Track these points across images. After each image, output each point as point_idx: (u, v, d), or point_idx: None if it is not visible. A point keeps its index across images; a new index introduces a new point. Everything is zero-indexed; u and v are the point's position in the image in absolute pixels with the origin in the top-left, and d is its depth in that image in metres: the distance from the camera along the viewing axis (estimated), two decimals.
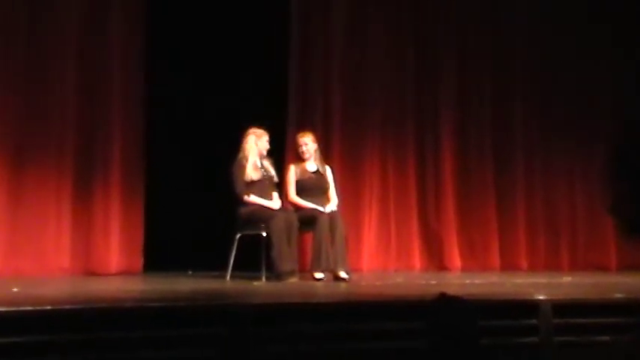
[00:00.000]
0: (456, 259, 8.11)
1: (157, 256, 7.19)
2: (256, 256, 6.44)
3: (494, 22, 8.57)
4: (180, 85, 7.64)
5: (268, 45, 7.81)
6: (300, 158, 6.85)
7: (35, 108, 6.85)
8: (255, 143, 6.64)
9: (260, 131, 6.69)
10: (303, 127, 7.26)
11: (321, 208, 6.56)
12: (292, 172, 6.79)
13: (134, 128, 7.26)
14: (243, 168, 6.55)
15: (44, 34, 6.92)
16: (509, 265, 8.23)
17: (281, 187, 6.85)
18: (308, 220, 6.50)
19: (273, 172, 6.73)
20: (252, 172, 6.55)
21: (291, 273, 6.29)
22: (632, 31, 8.50)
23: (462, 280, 6.75)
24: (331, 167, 7.02)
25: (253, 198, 6.52)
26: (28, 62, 6.84)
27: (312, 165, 6.84)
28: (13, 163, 6.75)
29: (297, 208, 6.67)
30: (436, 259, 8.16)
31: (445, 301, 2.85)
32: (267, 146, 6.70)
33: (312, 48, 7.86)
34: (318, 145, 6.95)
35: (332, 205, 6.67)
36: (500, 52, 8.56)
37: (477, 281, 6.43)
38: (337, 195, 6.85)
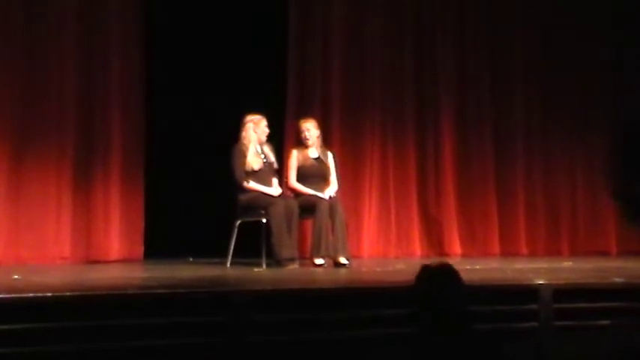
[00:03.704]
0: (456, 245, 8.12)
1: (158, 244, 7.20)
2: (256, 243, 6.44)
3: (494, 8, 8.53)
4: (180, 72, 7.62)
5: (267, 32, 7.80)
6: (301, 144, 6.83)
7: (34, 98, 6.83)
8: (254, 131, 6.62)
9: (257, 117, 6.66)
10: (302, 115, 7.24)
11: (321, 195, 6.56)
12: (294, 158, 6.77)
13: (134, 116, 7.25)
14: (243, 157, 6.53)
15: (43, 22, 6.89)
16: (509, 252, 8.24)
17: (281, 173, 6.85)
18: (308, 207, 6.50)
19: (273, 158, 6.72)
20: (253, 162, 6.55)
21: (291, 259, 6.30)
22: (633, 15, 8.48)
23: (462, 266, 6.69)
24: (333, 153, 7.00)
25: (253, 185, 6.52)
26: (27, 54, 6.82)
27: (313, 151, 6.82)
28: (13, 152, 6.74)
29: (297, 194, 6.67)
30: (436, 245, 8.16)
31: (429, 272, 2.80)
32: (267, 131, 6.68)
33: (312, 35, 7.84)
34: (320, 131, 6.93)
35: (331, 190, 6.66)
36: (500, 39, 8.53)
37: (477, 267, 6.44)
38: (338, 181, 6.84)
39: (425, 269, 2.81)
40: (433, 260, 3.20)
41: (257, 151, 6.61)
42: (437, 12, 8.35)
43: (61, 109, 6.91)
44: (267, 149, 6.70)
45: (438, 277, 2.76)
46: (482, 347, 2.66)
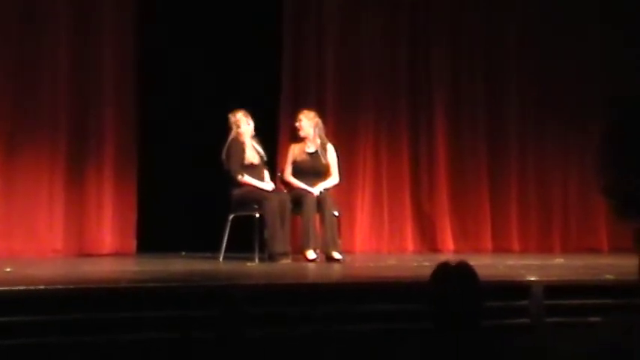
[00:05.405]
0: (448, 241, 8.12)
1: (151, 237, 7.20)
2: (249, 238, 6.45)
3: (490, 7, 8.53)
4: (174, 67, 7.61)
5: (262, 26, 7.79)
6: (299, 137, 6.83)
7: (28, 93, 6.83)
8: (247, 124, 6.65)
9: (245, 112, 6.68)
10: (296, 109, 7.25)
11: (309, 189, 6.56)
12: (290, 153, 6.79)
13: (127, 109, 7.23)
14: (241, 151, 6.54)
15: (40, 21, 6.88)
16: (501, 248, 8.25)
17: (272, 166, 6.86)
18: (298, 201, 6.51)
19: (262, 151, 6.74)
20: (251, 156, 6.57)
21: (284, 254, 6.31)
22: (633, 15, 8.48)
23: None
24: (334, 146, 6.99)
25: (247, 179, 6.53)
26: (22, 50, 6.81)
27: (310, 146, 6.82)
28: (6, 145, 6.73)
29: (290, 188, 6.69)
30: (429, 241, 8.16)
31: (446, 271, 2.74)
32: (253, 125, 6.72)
33: (306, 30, 7.81)
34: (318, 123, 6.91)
35: (322, 185, 6.65)
36: (494, 34, 8.52)
37: (469, 263, 6.44)
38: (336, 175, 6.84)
39: (441, 268, 2.73)
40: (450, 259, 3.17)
41: (253, 147, 6.63)
42: (433, 11, 8.34)
43: (55, 104, 6.90)
44: (255, 143, 6.71)
45: (454, 277, 2.70)
46: (494, 343, 2.62)
